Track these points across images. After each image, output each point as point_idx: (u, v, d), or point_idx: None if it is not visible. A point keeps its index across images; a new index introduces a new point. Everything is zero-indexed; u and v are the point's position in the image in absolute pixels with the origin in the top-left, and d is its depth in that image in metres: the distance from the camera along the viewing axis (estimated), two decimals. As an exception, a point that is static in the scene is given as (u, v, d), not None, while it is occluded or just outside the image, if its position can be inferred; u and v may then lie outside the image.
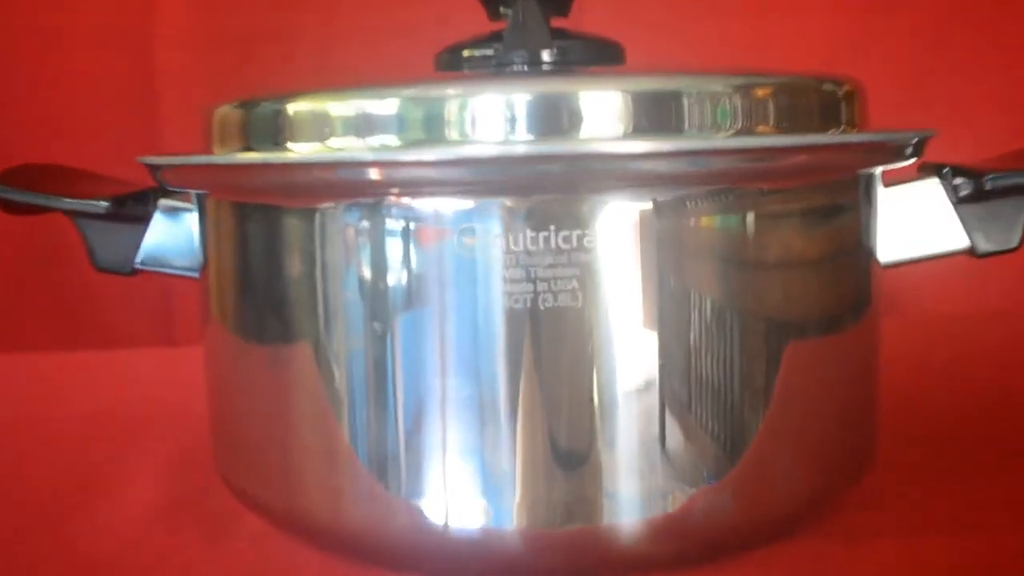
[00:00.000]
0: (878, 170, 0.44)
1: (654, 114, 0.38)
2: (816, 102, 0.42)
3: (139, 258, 0.49)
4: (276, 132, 0.41)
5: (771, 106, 0.40)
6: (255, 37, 0.88)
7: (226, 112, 0.44)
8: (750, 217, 0.40)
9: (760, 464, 0.41)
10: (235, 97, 0.44)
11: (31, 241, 0.90)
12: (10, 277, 0.93)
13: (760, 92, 0.40)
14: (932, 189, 0.46)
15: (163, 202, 0.49)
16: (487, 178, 0.38)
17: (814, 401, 0.43)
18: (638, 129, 0.38)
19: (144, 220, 0.49)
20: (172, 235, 0.49)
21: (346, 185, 0.39)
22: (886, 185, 0.45)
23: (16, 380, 0.81)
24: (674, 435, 0.40)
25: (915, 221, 0.46)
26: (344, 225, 0.40)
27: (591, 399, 0.39)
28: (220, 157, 0.43)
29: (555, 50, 0.45)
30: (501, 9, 0.47)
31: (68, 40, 0.91)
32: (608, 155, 0.37)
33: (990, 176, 0.45)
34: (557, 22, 0.46)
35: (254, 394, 0.44)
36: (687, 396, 0.40)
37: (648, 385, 0.40)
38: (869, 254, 0.45)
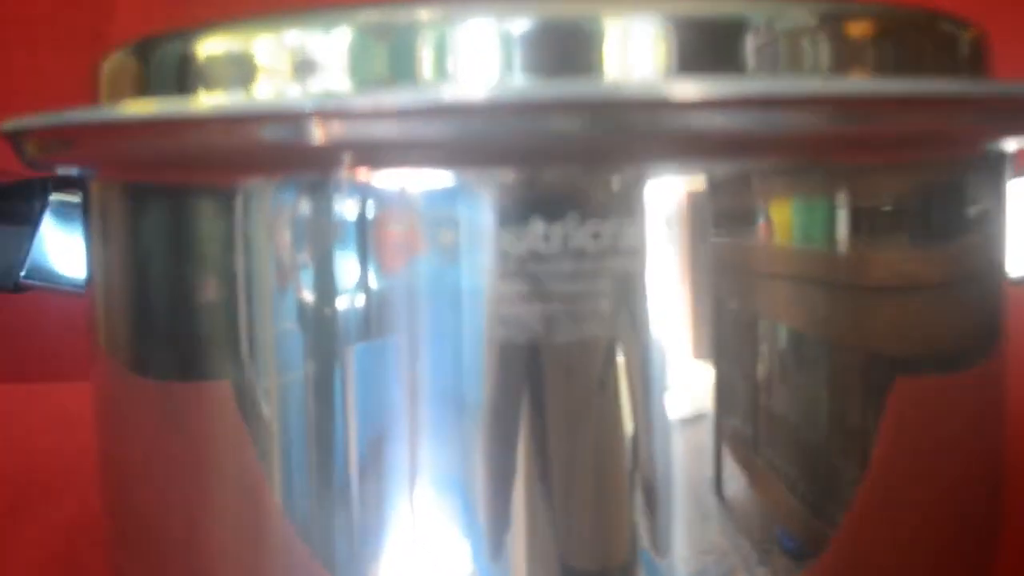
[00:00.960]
0: (1012, 145, 0.32)
1: (708, 50, 0.27)
2: (930, 46, 0.30)
3: (24, 270, 0.38)
4: (183, 81, 0.30)
5: (870, 47, 0.29)
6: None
7: (118, 61, 0.32)
8: (841, 202, 0.28)
9: (855, 543, 0.30)
10: (130, 41, 0.32)
11: None
12: None
13: (856, 27, 0.29)
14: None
15: (55, 197, 0.38)
16: (476, 136, 0.26)
17: (928, 460, 0.31)
18: (684, 70, 0.27)
19: (30, 220, 0.38)
20: (65, 240, 0.37)
21: (276, 150, 0.28)
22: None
23: None
24: (736, 511, 0.28)
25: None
26: (275, 212, 0.29)
27: (623, 470, 0.27)
28: (99, 111, 0.31)
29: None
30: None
31: (22, 37, 0.83)
32: (647, 102, 0.26)
33: None
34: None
35: (152, 451, 0.33)
36: (755, 459, 0.28)
37: (700, 449, 0.28)
38: (997, 265, 0.33)
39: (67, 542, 0.48)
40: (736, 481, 0.28)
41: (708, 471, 0.28)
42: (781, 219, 0.28)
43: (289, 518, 0.30)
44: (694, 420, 0.28)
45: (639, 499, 0.28)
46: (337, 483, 0.29)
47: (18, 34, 0.83)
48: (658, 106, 0.26)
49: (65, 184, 0.37)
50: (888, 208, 0.30)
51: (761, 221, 0.28)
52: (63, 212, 0.37)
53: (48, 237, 0.38)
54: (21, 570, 0.48)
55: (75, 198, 0.37)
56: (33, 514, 0.53)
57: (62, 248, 0.38)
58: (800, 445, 0.29)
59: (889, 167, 0.29)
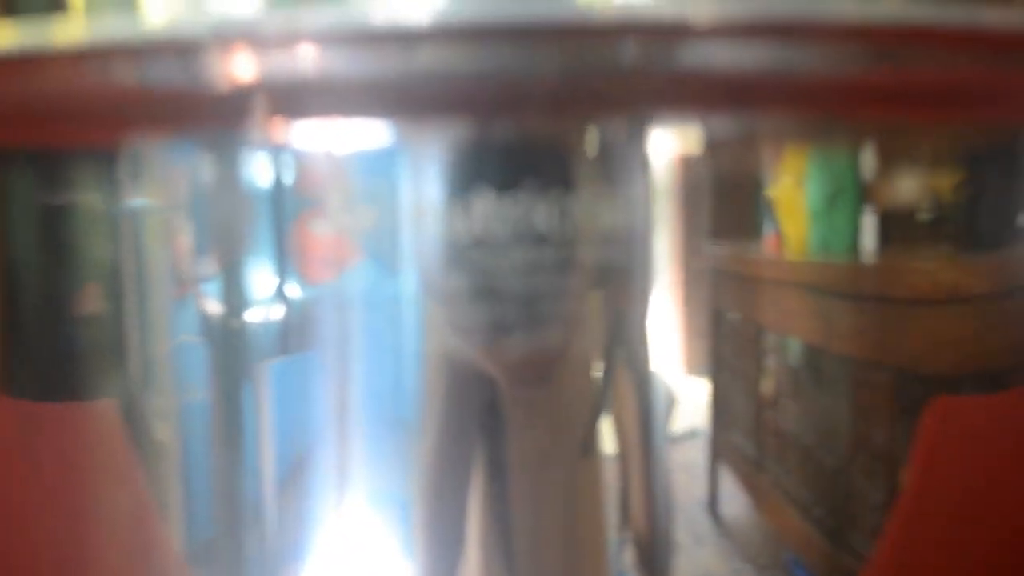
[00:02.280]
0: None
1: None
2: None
3: None
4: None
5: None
6: None
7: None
8: (870, 165, 0.23)
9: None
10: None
11: None
12: None
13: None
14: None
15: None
16: (418, 73, 0.21)
17: (970, 490, 0.25)
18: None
19: None
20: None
21: (167, 96, 0.22)
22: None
23: None
24: (740, 548, 0.22)
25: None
26: (166, 179, 0.23)
27: (595, 506, 0.22)
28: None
29: None
30: None
31: None
32: (648, 24, 0.20)
33: None
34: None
35: (13, 484, 0.26)
36: (771, 469, 0.23)
37: (695, 478, 0.22)
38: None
39: None
40: (735, 502, 0.22)
41: (702, 491, 0.23)
42: (797, 179, 0.23)
43: (189, 560, 0.24)
44: (687, 437, 0.23)
45: (619, 530, 0.22)
46: (247, 522, 0.23)
47: None
48: (662, 33, 0.20)
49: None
50: (925, 172, 0.24)
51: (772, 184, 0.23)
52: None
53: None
54: None
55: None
56: None
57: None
58: (815, 467, 0.23)
59: (928, 129, 0.24)
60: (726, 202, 0.23)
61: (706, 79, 0.21)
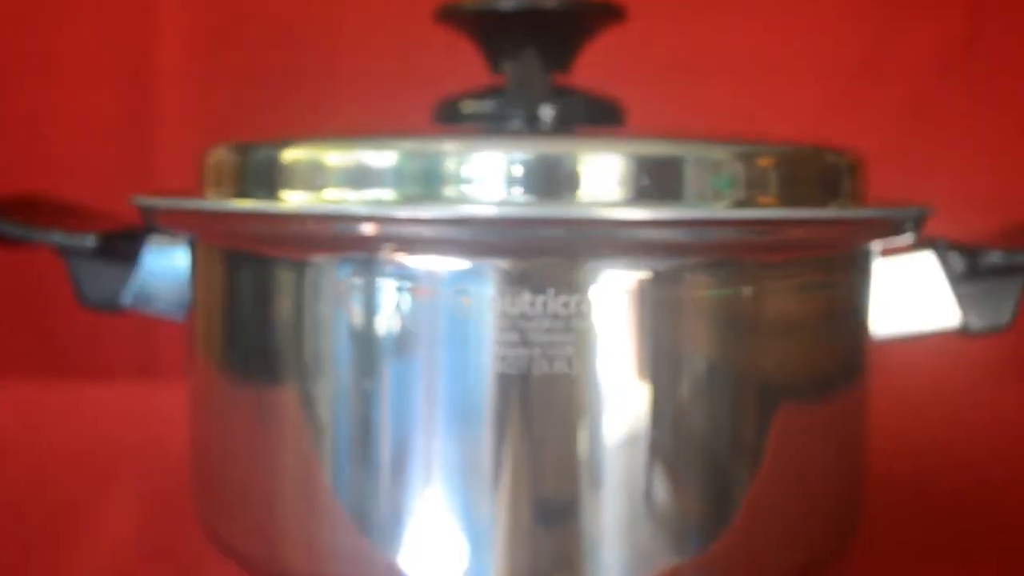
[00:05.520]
0: (875, 244, 0.44)
1: (655, 179, 0.38)
2: (818, 173, 0.41)
3: (126, 297, 0.49)
4: (270, 179, 0.41)
5: (773, 176, 0.40)
6: (254, 75, 0.88)
7: (221, 155, 0.43)
8: (747, 288, 0.40)
9: (747, 533, 0.41)
10: (231, 139, 0.43)
11: (12, 267, 0.89)
12: None
13: (762, 161, 0.40)
14: (928, 263, 0.46)
15: (153, 240, 0.48)
16: (484, 239, 0.38)
17: (803, 468, 0.42)
18: (639, 194, 0.38)
19: (133, 258, 0.48)
20: (161, 275, 0.48)
21: (339, 238, 0.39)
22: (883, 255, 0.45)
23: None
24: (661, 504, 0.39)
25: (909, 295, 0.46)
26: (335, 279, 0.40)
27: (579, 467, 0.39)
28: (211, 203, 0.42)
29: (555, 108, 0.44)
30: (502, 62, 0.47)
31: (64, 70, 0.90)
32: (607, 221, 0.37)
33: (985, 254, 0.45)
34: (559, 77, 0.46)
35: (237, 441, 0.44)
36: (676, 467, 0.40)
37: (637, 455, 0.39)
38: (862, 326, 0.44)
39: (155, 505, 0.58)
40: (662, 487, 0.39)
41: (643, 462, 0.39)
42: (704, 295, 0.39)
43: (335, 494, 0.41)
44: (632, 437, 0.39)
45: (585, 468, 0.39)
46: (372, 469, 0.40)
47: (70, 68, 0.89)
48: (617, 225, 0.37)
49: (160, 231, 0.48)
50: (782, 284, 0.41)
51: (690, 297, 0.39)
52: (159, 253, 0.48)
53: (147, 272, 0.49)
54: (119, 525, 0.57)
55: (169, 242, 0.48)
56: (117, 487, 0.61)
57: (157, 281, 0.49)
58: (709, 458, 0.40)
59: (783, 262, 0.40)
60: (647, 303, 0.39)
61: (640, 243, 0.38)
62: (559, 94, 0.45)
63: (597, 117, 0.46)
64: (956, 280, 0.46)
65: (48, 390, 0.86)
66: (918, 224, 0.43)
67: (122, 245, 0.48)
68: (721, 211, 0.38)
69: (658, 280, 0.38)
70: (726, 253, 0.39)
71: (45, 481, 0.63)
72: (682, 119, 0.82)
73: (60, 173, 0.88)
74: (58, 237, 0.47)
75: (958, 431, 0.75)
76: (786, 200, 0.40)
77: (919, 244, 0.46)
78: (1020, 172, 0.90)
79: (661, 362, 0.39)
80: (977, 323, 0.46)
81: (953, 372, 0.88)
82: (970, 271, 0.46)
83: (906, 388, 0.83)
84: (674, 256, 0.38)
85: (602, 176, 0.38)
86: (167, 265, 0.48)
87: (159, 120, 0.89)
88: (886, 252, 0.46)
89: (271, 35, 0.88)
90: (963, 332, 0.46)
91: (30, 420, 0.78)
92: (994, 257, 0.45)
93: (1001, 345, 0.86)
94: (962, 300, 0.46)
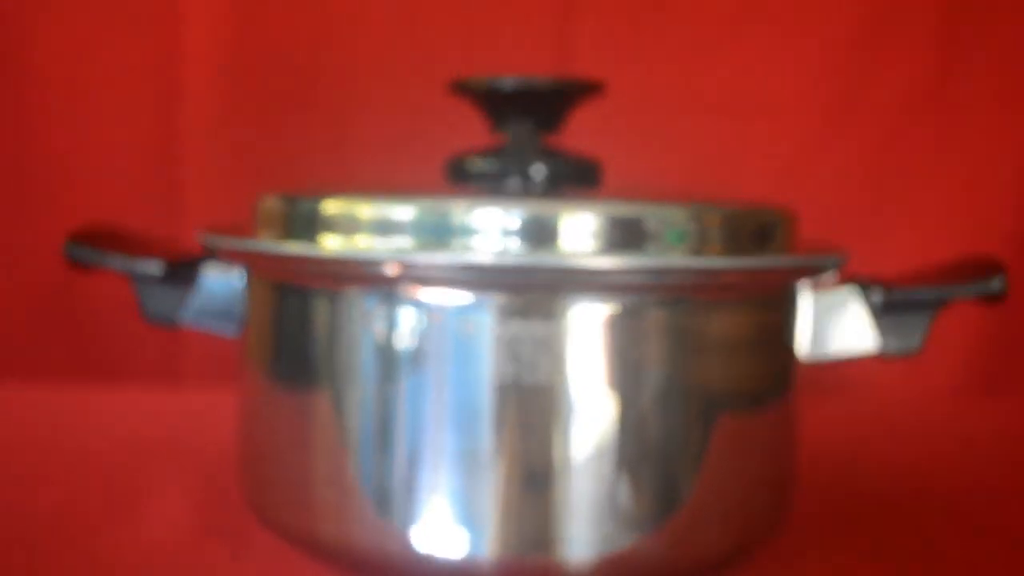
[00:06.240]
0: (802, 283, 0.53)
1: (622, 234, 0.48)
2: (755, 228, 0.51)
3: (185, 315, 0.58)
4: (312, 225, 0.51)
5: (717, 231, 0.49)
6: (278, 103, 0.94)
7: (270, 203, 0.53)
8: (696, 319, 0.49)
9: (691, 518, 0.50)
10: (279, 191, 0.53)
11: (43, 274, 0.95)
12: (23, 306, 0.97)
13: (709, 219, 0.49)
14: (852, 297, 0.55)
15: (209, 267, 0.58)
16: (484, 279, 0.47)
17: (739, 466, 0.52)
18: (610, 244, 0.47)
19: (191, 281, 0.58)
20: (215, 297, 0.58)
21: (368, 276, 0.48)
22: (815, 289, 0.55)
23: (33, 409, 0.87)
24: (623, 489, 0.49)
25: (837, 324, 0.55)
26: (364, 307, 0.49)
27: (558, 457, 0.48)
28: (264, 244, 0.52)
29: (546, 166, 0.54)
30: (502, 125, 0.56)
31: (93, 95, 0.95)
32: (582, 269, 0.47)
33: (899, 289, 0.55)
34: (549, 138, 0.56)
35: (281, 435, 0.53)
36: (636, 458, 0.49)
37: (604, 448, 0.48)
38: (791, 351, 0.54)
39: (202, 491, 0.66)
40: (622, 476, 0.49)
41: (609, 454, 0.49)
42: (659, 324, 0.49)
43: (359, 477, 0.50)
44: (599, 436, 0.49)
45: (562, 458, 0.48)
46: (390, 457, 0.49)
47: (98, 93, 0.95)
48: (589, 272, 0.47)
49: (214, 259, 0.58)
50: (725, 315, 0.50)
51: (648, 325, 0.49)
52: (215, 279, 0.58)
53: (203, 294, 0.58)
54: (172, 507, 0.64)
55: (223, 270, 0.58)
56: (166, 477, 0.69)
57: (212, 302, 0.58)
58: (662, 455, 0.50)
59: (726, 298, 0.50)
60: (613, 330, 0.49)
61: (606, 285, 0.47)
62: (549, 155, 0.55)
63: (579, 176, 0.56)
64: (876, 311, 0.55)
65: (79, 392, 0.92)
66: (837, 267, 0.53)
67: (182, 270, 0.57)
68: (674, 260, 0.48)
69: (622, 313, 0.48)
70: (678, 292, 0.48)
71: (93, 474, 0.70)
72: (663, 158, 0.91)
73: (88, 195, 0.94)
74: (129, 264, 0.57)
75: (912, 443, 0.83)
76: (728, 250, 0.49)
77: (845, 280, 0.56)
78: (985, 207, 0.97)
79: (623, 377, 0.48)
80: (894, 348, 0.56)
81: (920, 387, 0.97)
82: (887, 304, 0.55)
83: (871, 401, 0.93)
84: (635, 294, 0.48)
85: (580, 231, 0.48)
86: (221, 288, 0.57)
87: (186, 144, 0.95)
88: (817, 287, 0.55)
89: (292, 69, 0.95)
90: (882, 355, 0.56)
91: (68, 420, 0.84)
92: (905, 292, 0.55)
93: (968, 362, 0.97)
94: (881, 328, 0.55)
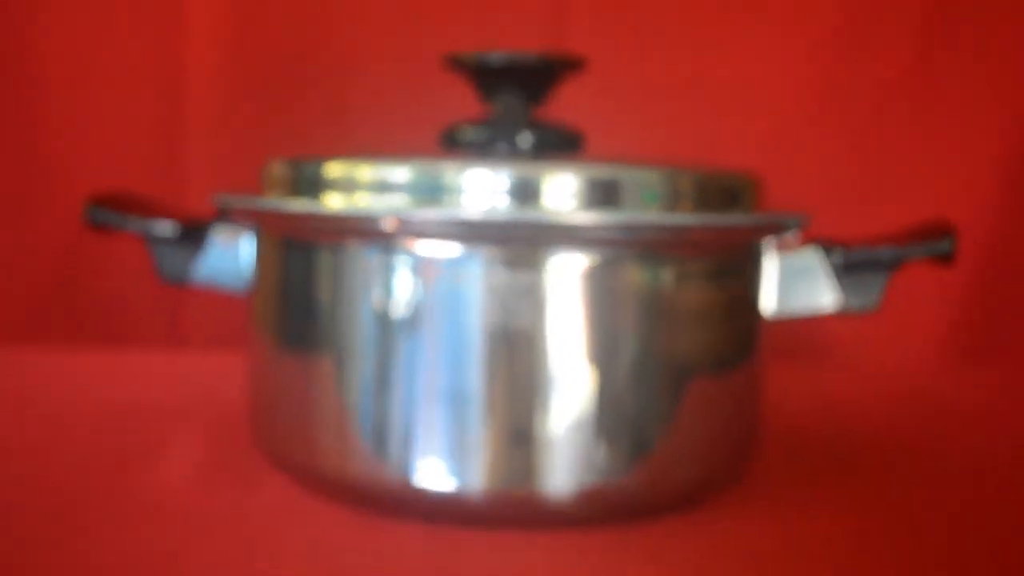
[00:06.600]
0: (767, 242, 0.58)
1: (600, 193, 0.52)
2: (723, 190, 0.56)
3: (197, 275, 0.62)
4: (316, 186, 0.55)
5: (688, 192, 0.54)
6: (278, 87, 0.98)
7: (277, 166, 0.58)
8: (667, 272, 0.53)
9: (665, 456, 0.54)
10: (285, 155, 0.58)
11: (50, 240, 0.99)
12: (29, 271, 1.01)
13: (680, 182, 0.54)
14: (814, 258, 0.60)
15: (219, 230, 0.62)
16: (473, 233, 0.52)
17: (708, 414, 0.56)
18: (588, 203, 0.52)
19: (202, 243, 0.62)
20: (225, 258, 0.62)
21: (367, 231, 0.53)
22: (779, 251, 0.59)
23: (44, 372, 0.90)
24: (602, 428, 0.53)
25: (800, 282, 0.60)
26: (364, 259, 0.54)
27: (540, 398, 0.53)
28: (274, 202, 0.56)
29: (532, 135, 0.59)
30: (491, 97, 0.61)
31: (97, 76, 0.99)
32: (562, 224, 0.51)
33: (855, 250, 0.59)
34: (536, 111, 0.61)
35: (287, 383, 0.58)
36: (613, 400, 0.53)
37: (583, 390, 0.53)
38: (756, 306, 0.59)
39: (211, 440, 0.71)
40: (603, 418, 0.54)
41: (588, 395, 0.53)
42: (632, 276, 0.53)
43: (360, 416, 0.54)
44: (577, 376, 0.53)
45: (546, 397, 0.53)
46: (388, 399, 0.54)
47: (102, 75, 0.98)
48: (569, 227, 0.51)
49: (224, 222, 0.62)
50: (694, 269, 0.55)
51: (622, 277, 0.53)
52: (224, 241, 0.62)
53: (213, 255, 0.62)
54: (183, 453, 0.69)
55: (232, 232, 0.62)
56: (175, 429, 0.74)
57: (221, 263, 0.62)
58: (637, 397, 0.54)
59: (695, 253, 0.55)
60: (590, 280, 0.53)
61: (584, 240, 0.52)
62: (535, 125, 0.60)
63: (563, 143, 0.60)
64: (837, 271, 0.60)
65: (87, 355, 0.95)
66: (799, 226, 0.57)
67: (194, 232, 0.62)
68: (645, 216, 0.53)
69: (599, 264, 0.52)
70: (651, 247, 0.53)
71: (104, 430, 0.73)
72: (650, 137, 0.95)
73: (93, 175, 0.97)
74: (145, 225, 0.61)
75: (888, 410, 0.86)
76: (697, 209, 0.54)
77: (807, 242, 0.60)
78: (966, 186, 1.01)
79: (600, 323, 0.53)
80: (854, 305, 0.60)
81: (901, 354, 1.01)
82: (847, 264, 0.60)
83: (850, 369, 0.98)
84: (611, 248, 0.52)
85: (561, 190, 0.52)
86: (230, 250, 0.62)
87: (191, 124, 0.99)
88: (781, 248, 0.59)
89: (293, 51, 1.00)
90: (843, 312, 0.60)
91: (77, 382, 0.87)
92: (863, 252, 0.59)
93: (949, 331, 1.01)
94: (842, 286, 0.60)
